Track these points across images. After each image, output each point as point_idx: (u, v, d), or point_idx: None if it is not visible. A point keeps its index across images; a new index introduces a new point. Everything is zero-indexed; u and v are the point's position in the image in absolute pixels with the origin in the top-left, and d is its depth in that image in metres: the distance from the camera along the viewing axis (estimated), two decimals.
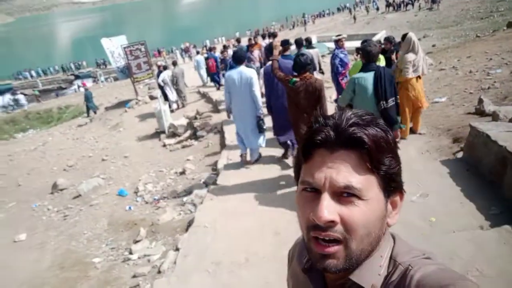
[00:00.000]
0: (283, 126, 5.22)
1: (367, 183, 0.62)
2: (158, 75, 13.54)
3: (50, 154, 11.39)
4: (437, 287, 0.58)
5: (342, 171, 0.61)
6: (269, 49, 6.53)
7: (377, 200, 0.64)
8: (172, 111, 12.56)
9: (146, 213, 6.14)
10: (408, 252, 0.68)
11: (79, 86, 32.13)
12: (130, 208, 6.47)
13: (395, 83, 4.15)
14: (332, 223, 0.61)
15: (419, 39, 12.60)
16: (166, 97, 12.81)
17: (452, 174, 4.19)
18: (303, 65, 4.16)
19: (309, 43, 8.34)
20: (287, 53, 5.80)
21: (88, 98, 17.13)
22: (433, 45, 19.32)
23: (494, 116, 5.16)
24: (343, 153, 0.62)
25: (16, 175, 9.68)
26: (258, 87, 5.19)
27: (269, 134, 5.94)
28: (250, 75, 4.99)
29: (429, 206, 3.71)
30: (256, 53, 9.91)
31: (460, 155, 4.62)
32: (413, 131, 5.65)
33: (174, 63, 13.74)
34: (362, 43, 5.23)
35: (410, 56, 5.15)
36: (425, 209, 3.66)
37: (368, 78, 3.94)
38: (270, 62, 4.74)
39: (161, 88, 12.98)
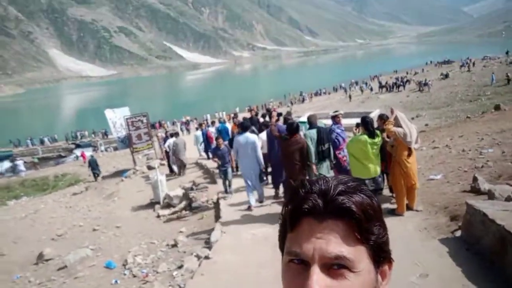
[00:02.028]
0: (279, 173, 6.88)
1: (358, 254, 0.60)
2: (164, 141, 14.45)
3: (41, 222, 11.11)
4: None
5: (332, 242, 0.59)
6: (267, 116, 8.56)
7: (368, 272, 0.61)
8: (175, 174, 13.12)
9: (132, 287, 5.80)
10: None
11: (77, 156, 32.76)
12: (116, 281, 6.13)
13: (331, 136, 6.45)
14: None
15: (412, 118, 13.03)
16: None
17: (452, 254, 4.07)
18: (294, 129, 6.01)
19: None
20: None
21: (92, 165, 18.11)
22: (426, 124, 20.02)
23: (490, 195, 5.15)
24: (331, 223, 0.61)
25: (1, 243, 9.32)
26: (260, 149, 6.77)
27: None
28: (253, 139, 6.65)
29: None
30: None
31: (458, 233, 4.53)
32: (409, 207, 5.60)
33: (176, 134, 14.17)
34: (362, 118, 5.48)
35: (401, 129, 5.31)
36: None
37: (314, 132, 6.23)
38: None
39: (167, 153, 13.45)
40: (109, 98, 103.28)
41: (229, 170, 8.29)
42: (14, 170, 29.58)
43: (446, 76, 42.67)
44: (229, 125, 12.41)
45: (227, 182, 8.40)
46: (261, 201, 7.20)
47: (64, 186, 20.23)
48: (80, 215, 11.24)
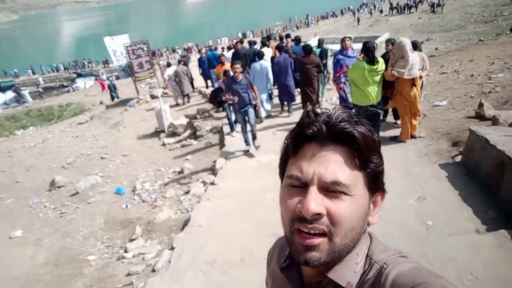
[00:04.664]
0: (285, 93, 8.09)
1: (354, 180, 0.63)
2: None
3: (49, 151, 11.39)
4: (411, 285, 0.57)
5: (331, 167, 0.62)
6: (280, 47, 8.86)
7: (362, 197, 0.64)
8: (177, 104, 13.16)
9: (142, 211, 6.12)
10: (384, 251, 0.68)
11: (76, 87, 32.98)
12: (127, 206, 6.45)
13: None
14: (318, 216, 0.60)
15: (421, 42, 12.51)
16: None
17: (451, 178, 4.17)
18: (309, 50, 7.21)
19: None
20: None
21: (111, 88, 18.84)
22: (436, 49, 19.26)
23: (494, 121, 5.13)
24: (333, 148, 0.63)
25: (14, 171, 9.67)
26: (271, 73, 7.98)
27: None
28: (266, 66, 7.87)
29: (426, 210, 3.68)
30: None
31: (459, 159, 4.59)
32: (412, 135, 5.61)
33: (179, 61, 13.88)
34: (363, 44, 5.22)
35: (402, 70, 5.13)
36: (422, 213, 3.64)
37: (318, 51, 8.43)
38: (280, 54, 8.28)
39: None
40: (107, 25, 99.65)
41: (251, 110, 6.03)
42: (19, 100, 29.70)
43: None
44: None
45: (248, 128, 6.20)
46: (269, 115, 8.27)
47: (69, 115, 20.32)
48: (87, 144, 11.47)
